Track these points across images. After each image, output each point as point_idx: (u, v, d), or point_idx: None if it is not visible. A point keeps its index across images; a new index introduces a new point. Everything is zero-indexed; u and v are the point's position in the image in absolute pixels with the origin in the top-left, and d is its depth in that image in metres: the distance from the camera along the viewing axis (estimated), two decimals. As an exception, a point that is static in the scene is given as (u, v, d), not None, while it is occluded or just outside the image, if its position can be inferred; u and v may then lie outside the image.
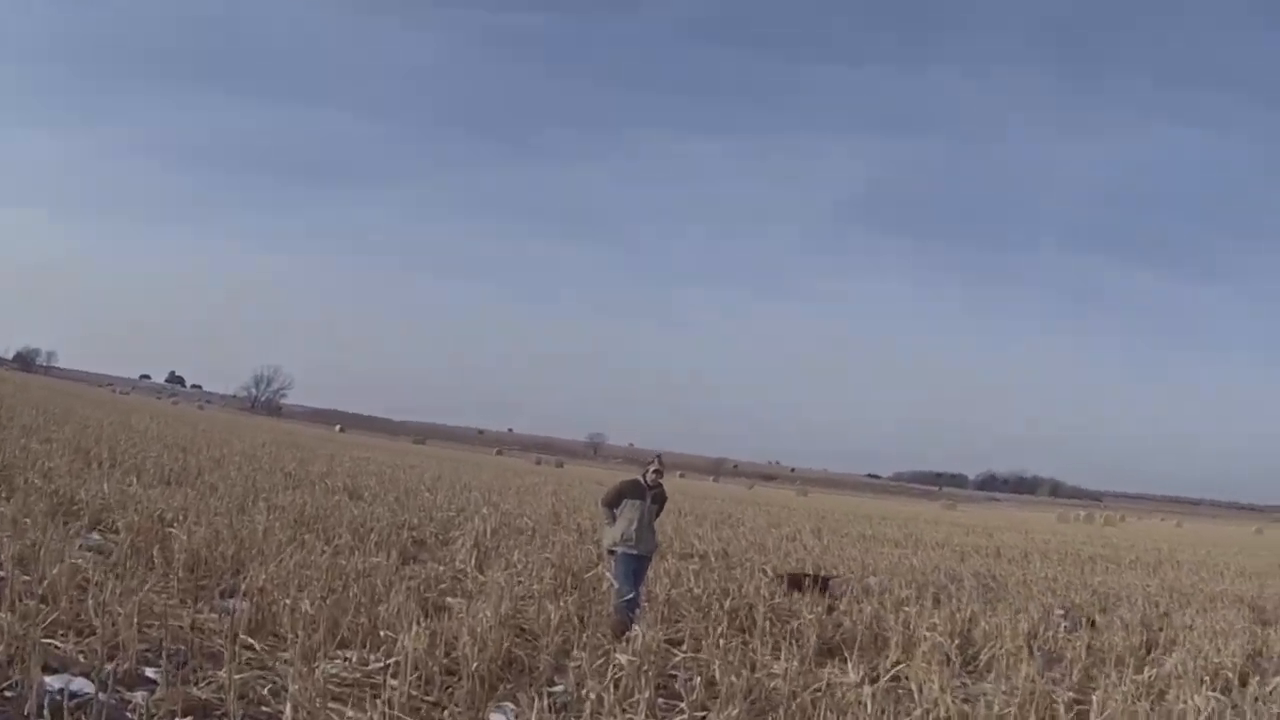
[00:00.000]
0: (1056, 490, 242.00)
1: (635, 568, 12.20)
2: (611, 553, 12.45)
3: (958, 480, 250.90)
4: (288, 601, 10.34)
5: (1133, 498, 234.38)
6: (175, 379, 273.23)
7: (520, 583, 14.20)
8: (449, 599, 13.02)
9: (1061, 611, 15.84)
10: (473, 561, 16.14)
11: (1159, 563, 33.41)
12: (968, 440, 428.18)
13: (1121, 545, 45.68)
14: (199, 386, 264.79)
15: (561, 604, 11.98)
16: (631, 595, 12.06)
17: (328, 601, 10.47)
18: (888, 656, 12.22)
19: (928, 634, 12.92)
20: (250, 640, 9.68)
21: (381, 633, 9.87)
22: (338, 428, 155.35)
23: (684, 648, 11.33)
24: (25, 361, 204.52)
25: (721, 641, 11.37)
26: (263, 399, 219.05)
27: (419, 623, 9.89)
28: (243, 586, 11.26)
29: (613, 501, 12.41)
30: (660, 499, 12.70)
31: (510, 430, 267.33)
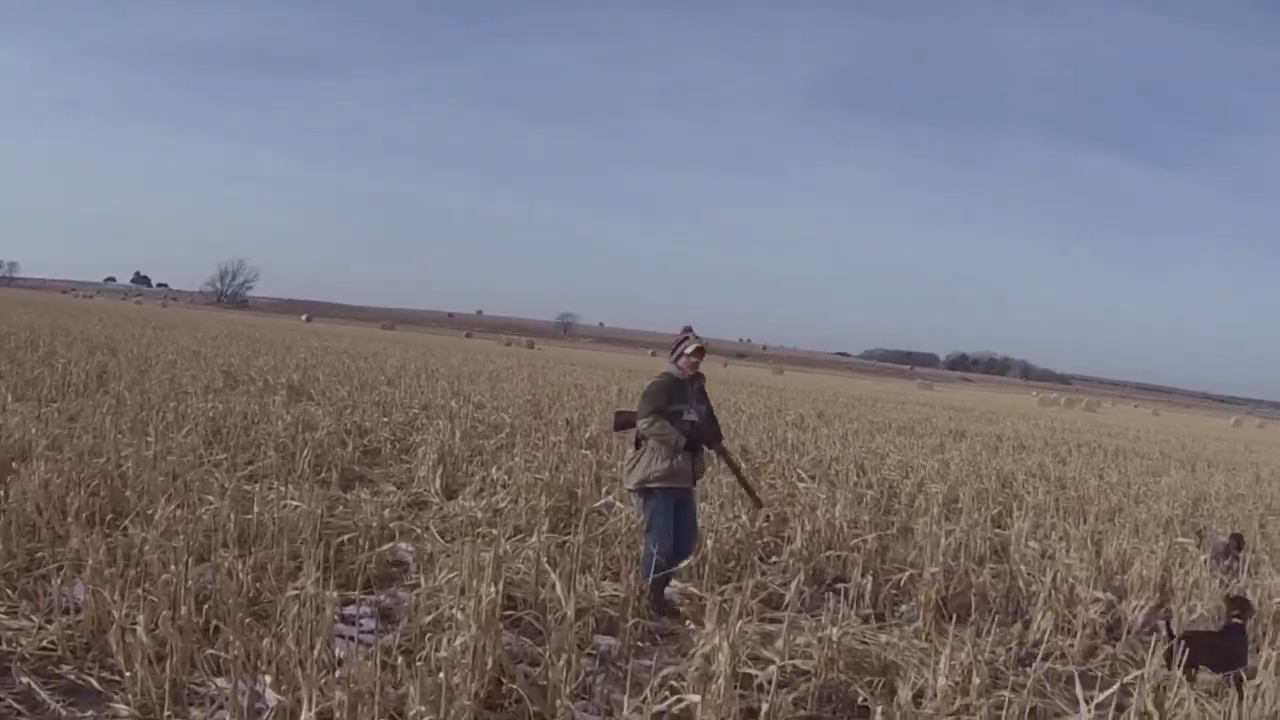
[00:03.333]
0: (1027, 373, 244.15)
1: (674, 511, 8.20)
2: (647, 491, 8.18)
3: (928, 359, 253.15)
4: (117, 616, 6.01)
5: (1102, 383, 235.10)
6: (141, 279, 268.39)
7: (498, 509, 10.32)
8: (401, 548, 8.96)
9: (1193, 539, 11.83)
10: (437, 481, 11.97)
11: (1192, 459, 29.19)
12: (936, 320, 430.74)
13: (1128, 435, 41.51)
14: (165, 285, 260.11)
15: (571, 566, 7.76)
16: (672, 549, 8.12)
17: (176, 620, 6.07)
18: (1038, 627, 8.39)
19: (1097, 595, 8.95)
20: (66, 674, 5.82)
21: (274, 667, 5.61)
22: (304, 317, 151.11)
23: (778, 644, 6.90)
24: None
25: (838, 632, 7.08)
26: (229, 292, 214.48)
27: (330, 648, 5.65)
28: (57, 575, 6.91)
29: (661, 408, 8.06)
30: (703, 394, 8.49)
31: (480, 312, 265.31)
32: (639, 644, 7.27)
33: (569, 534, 9.31)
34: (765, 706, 5.63)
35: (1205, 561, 10.62)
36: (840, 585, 9.16)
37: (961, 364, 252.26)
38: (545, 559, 7.94)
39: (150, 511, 8.43)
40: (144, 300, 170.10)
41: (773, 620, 7.77)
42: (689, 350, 8.09)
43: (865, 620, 8.25)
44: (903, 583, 9.23)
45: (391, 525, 9.55)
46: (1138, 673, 6.50)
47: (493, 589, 6.37)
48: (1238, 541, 11.48)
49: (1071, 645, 8.01)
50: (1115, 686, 6.16)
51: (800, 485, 13.71)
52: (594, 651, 6.96)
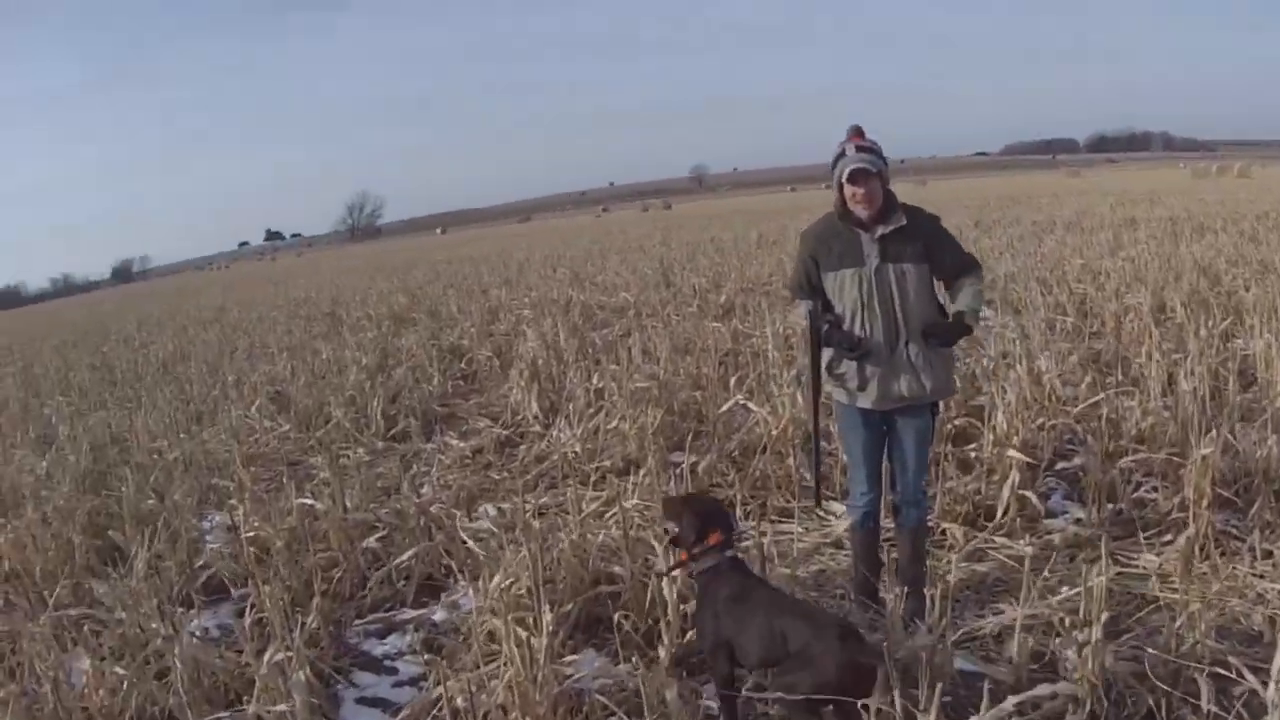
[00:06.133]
0: (1169, 144, 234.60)
1: (867, 437, 5.20)
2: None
3: (1069, 145, 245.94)
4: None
5: (1246, 144, 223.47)
6: (274, 235, 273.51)
7: (607, 430, 8.18)
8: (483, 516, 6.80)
9: None
10: (534, 403, 9.86)
11: None
12: (1068, 100, 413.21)
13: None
14: (299, 235, 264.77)
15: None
16: (866, 497, 5.24)
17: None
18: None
19: None
20: None
21: None
22: (439, 230, 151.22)
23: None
24: (123, 274, 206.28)
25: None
26: (360, 226, 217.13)
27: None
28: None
29: (801, 282, 5.29)
30: (913, 244, 5.02)
31: (612, 184, 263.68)
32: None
33: (694, 456, 7.09)
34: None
35: None
36: (1063, 469, 6.94)
37: (1102, 145, 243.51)
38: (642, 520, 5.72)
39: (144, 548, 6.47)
40: (278, 255, 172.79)
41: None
42: (844, 173, 4.90)
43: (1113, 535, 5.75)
44: (1156, 468, 6.64)
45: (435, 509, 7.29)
46: None
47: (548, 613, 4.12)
48: None
49: None
50: None
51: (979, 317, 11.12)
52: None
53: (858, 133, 4.98)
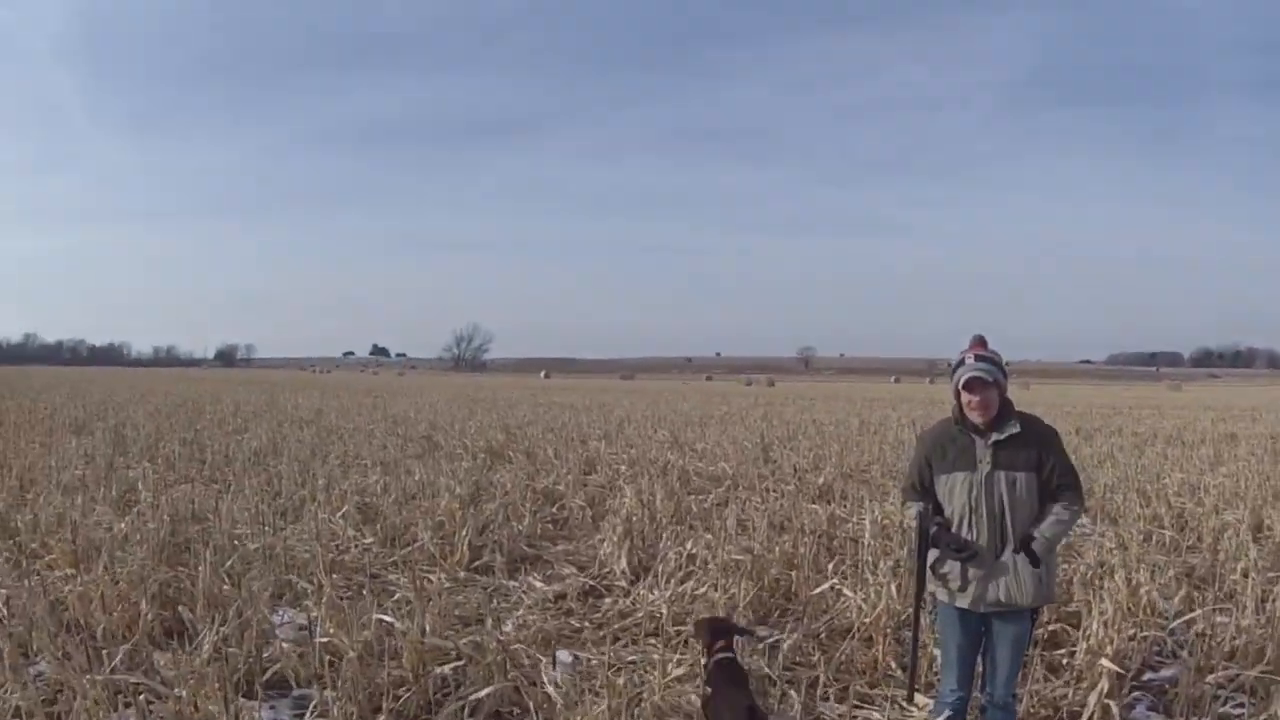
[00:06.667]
0: (1275, 361, 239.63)
1: (963, 637, 5.28)
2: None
3: (1173, 359, 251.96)
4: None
5: None
6: (379, 351, 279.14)
7: (695, 595, 8.19)
8: (558, 663, 6.81)
9: None
10: (623, 559, 9.81)
11: None
12: (1174, 316, 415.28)
13: None
14: (403, 355, 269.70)
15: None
16: (956, 695, 5.32)
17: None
18: None
19: None
20: None
21: None
22: (543, 374, 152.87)
23: None
24: (226, 357, 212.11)
25: None
26: (465, 357, 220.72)
27: None
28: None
29: (915, 483, 5.41)
30: (1026, 451, 5.10)
31: (718, 354, 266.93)
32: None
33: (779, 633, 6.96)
34: None
35: None
36: (1149, 680, 6.89)
37: (1206, 359, 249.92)
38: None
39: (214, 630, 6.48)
40: (380, 371, 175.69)
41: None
42: (961, 380, 5.15)
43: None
44: (1246, 685, 6.60)
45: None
46: None
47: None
48: None
49: None
50: None
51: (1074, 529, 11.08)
52: None
53: (980, 342, 5.27)
